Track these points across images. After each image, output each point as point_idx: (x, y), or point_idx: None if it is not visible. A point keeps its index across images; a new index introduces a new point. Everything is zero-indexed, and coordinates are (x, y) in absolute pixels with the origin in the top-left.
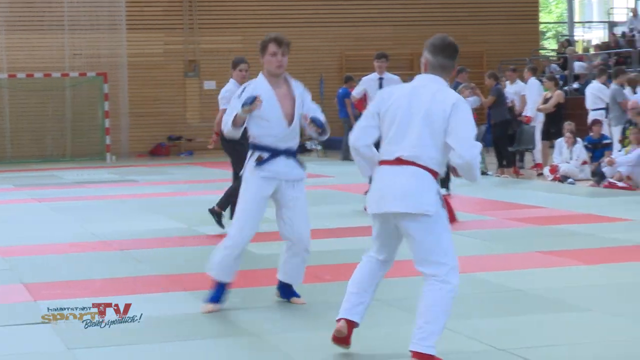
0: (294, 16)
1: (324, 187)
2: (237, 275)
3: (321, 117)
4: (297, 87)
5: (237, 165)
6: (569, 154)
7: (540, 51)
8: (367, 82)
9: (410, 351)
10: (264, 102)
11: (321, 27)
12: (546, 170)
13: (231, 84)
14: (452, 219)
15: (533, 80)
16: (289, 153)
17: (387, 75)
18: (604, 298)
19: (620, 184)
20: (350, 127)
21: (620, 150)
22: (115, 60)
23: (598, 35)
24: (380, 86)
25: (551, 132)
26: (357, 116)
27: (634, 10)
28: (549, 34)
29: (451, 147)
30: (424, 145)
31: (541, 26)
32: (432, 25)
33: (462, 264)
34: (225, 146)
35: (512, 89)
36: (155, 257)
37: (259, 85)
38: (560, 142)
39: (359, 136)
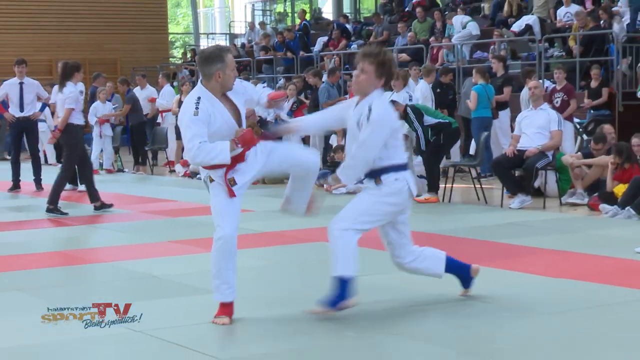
0: None
1: None
2: None
3: None
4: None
5: (71, 159)
6: None
7: (170, 59)
8: (8, 87)
9: None
10: None
11: None
12: (178, 167)
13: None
14: (231, 194)
15: (167, 88)
16: None
17: (27, 80)
18: None
19: None
20: None
21: None
22: None
23: None
24: (21, 90)
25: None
26: None
27: (251, 24)
28: (177, 44)
29: None
30: None
31: (170, 36)
32: (69, 33)
33: (105, 254)
34: (67, 138)
35: (143, 94)
36: None
37: None
38: None
39: None
